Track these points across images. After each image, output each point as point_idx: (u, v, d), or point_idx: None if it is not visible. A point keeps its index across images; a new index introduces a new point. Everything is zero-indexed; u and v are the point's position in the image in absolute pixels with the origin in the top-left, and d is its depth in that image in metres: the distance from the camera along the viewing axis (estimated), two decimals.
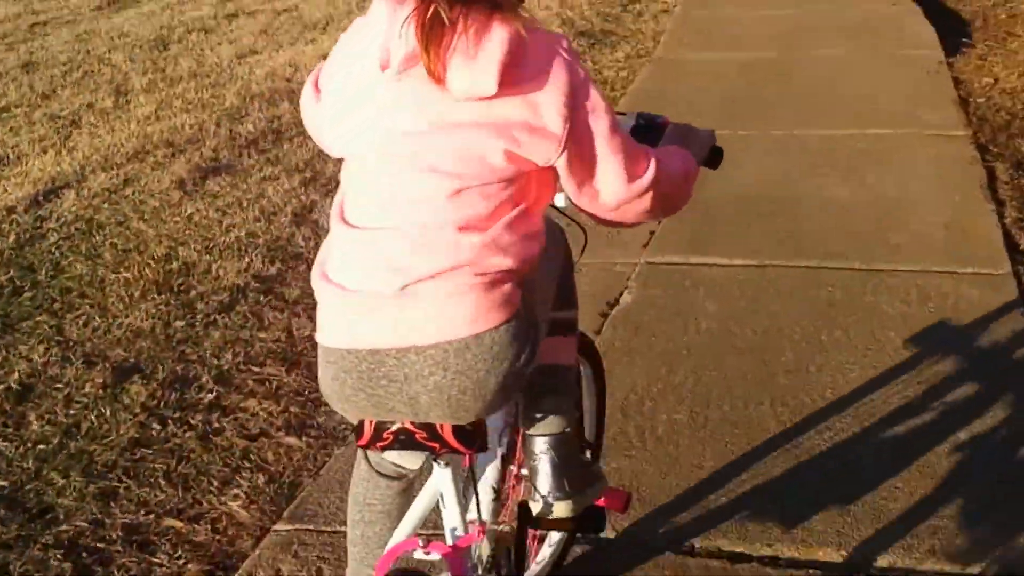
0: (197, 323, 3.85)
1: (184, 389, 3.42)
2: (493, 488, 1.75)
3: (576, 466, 1.78)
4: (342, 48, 1.55)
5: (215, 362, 3.57)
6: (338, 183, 1.60)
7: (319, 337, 1.50)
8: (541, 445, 1.74)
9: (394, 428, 1.49)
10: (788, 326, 3.47)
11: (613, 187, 1.50)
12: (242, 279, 4.15)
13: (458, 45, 1.36)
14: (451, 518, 1.60)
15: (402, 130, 1.43)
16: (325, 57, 1.66)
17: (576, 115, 1.43)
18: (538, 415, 1.74)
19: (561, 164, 1.47)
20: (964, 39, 7.24)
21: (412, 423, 1.48)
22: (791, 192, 4.64)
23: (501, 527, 1.76)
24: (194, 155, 5.59)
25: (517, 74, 1.38)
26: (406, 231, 1.42)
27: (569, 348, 1.81)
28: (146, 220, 4.79)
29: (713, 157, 1.85)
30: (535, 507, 1.76)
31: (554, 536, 2.19)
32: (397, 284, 1.41)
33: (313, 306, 1.65)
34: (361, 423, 1.52)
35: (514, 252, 1.44)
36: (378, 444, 1.51)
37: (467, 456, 1.57)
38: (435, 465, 1.59)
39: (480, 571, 1.68)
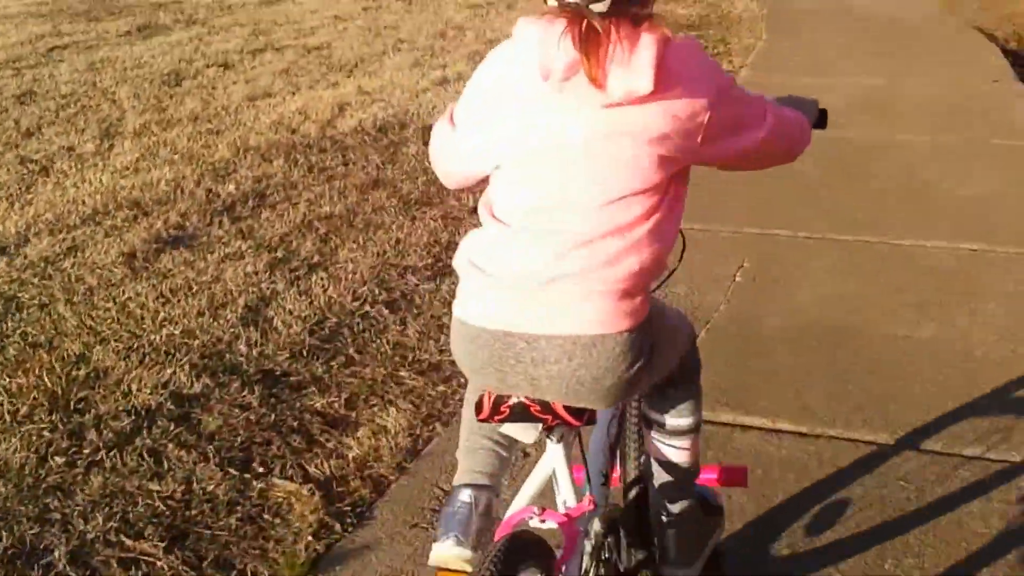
0: (79, 462, 3.00)
1: (26, 569, 2.58)
2: (602, 473, 1.90)
3: (696, 537, 1.96)
4: (483, 78, 1.66)
5: (80, 526, 2.72)
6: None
7: (458, 312, 1.65)
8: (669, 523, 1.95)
9: (511, 402, 1.64)
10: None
11: (745, 141, 1.64)
12: (155, 398, 3.31)
13: (614, 53, 1.48)
14: (564, 490, 1.74)
15: (564, 136, 1.54)
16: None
17: (719, 102, 1.56)
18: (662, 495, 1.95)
19: (705, 146, 1.58)
20: None
21: (528, 397, 1.63)
22: (858, 322, 3.67)
23: (611, 507, 1.91)
24: (158, 220, 4.81)
25: (666, 75, 1.50)
26: (557, 233, 1.55)
27: (690, 450, 1.94)
28: (73, 304, 4.00)
29: (821, 118, 2.00)
30: (664, 571, 1.96)
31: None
32: (542, 279, 1.55)
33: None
34: (481, 399, 1.67)
35: (653, 258, 1.58)
36: (496, 418, 1.67)
37: (577, 431, 1.75)
38: (548, 441, 1.73)
39: (590, 543, 1.76)
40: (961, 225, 4.55)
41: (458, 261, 1.67)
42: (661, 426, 1.90)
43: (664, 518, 1.94)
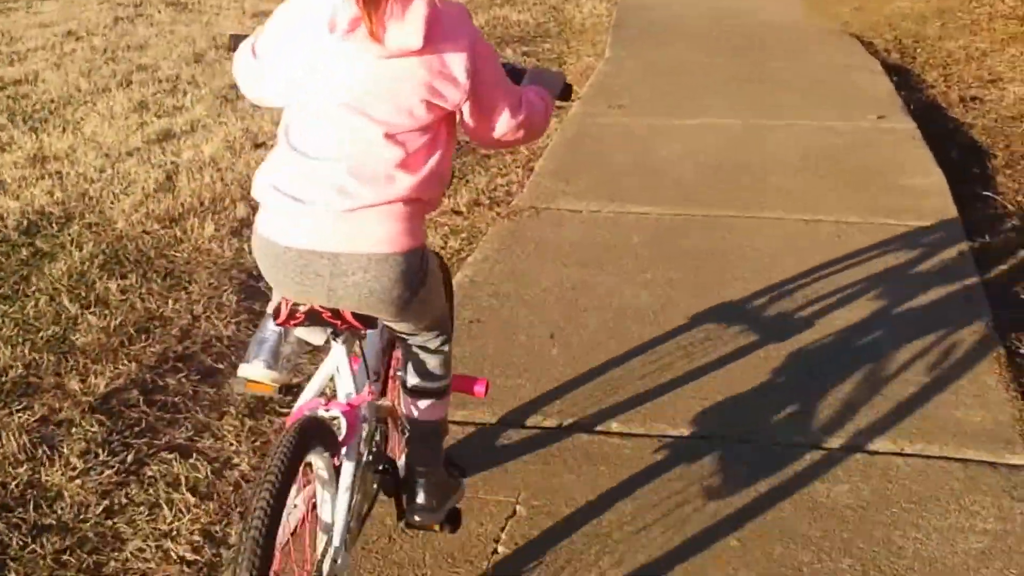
0: None
1: None
2: (375, 372, 2.17)
3: (443, 486, 2.22)
4: (280, 20, 1.87)
5: None
6: None
7: (262, 231, 1.85)
8: (419, 473, 2.19)
9: (305, 308, 1.88)
10: None
11: (503, 122, 1.94)
12: None
13: (391, 12, 1.71)
14: (345, 384, 1.99)
15: (345, 80, 1.78)
16: None
17: (477, 68, 1.82)
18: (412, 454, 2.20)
19: (466, 107, 1.87)
20: (987, 191, 4.64)
21: (321, 306, 1.87)
22: None
23: (384, 402, 2.22)
24: None
25: (434, 33, 1.74)
26: (348, 161, 1.79)
27: (438, 409, 2.18)
28: None
29: (566, 93, 2.20)
30: (410, 517, 2.19)
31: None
32: (343, 206, 1.78)
33: None
34: (279, 305, 1.91)
35: (432, 190, 1.87)
36: (291, 321, 1.90)
37: (359, 334, 2.03)
38: (333, 343, 1.97)
39: (368, 430, 2.06)
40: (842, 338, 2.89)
41: (259, 186, 1.86)
42: (415, 389, 2.14)
43: (415, 468, 2.17)
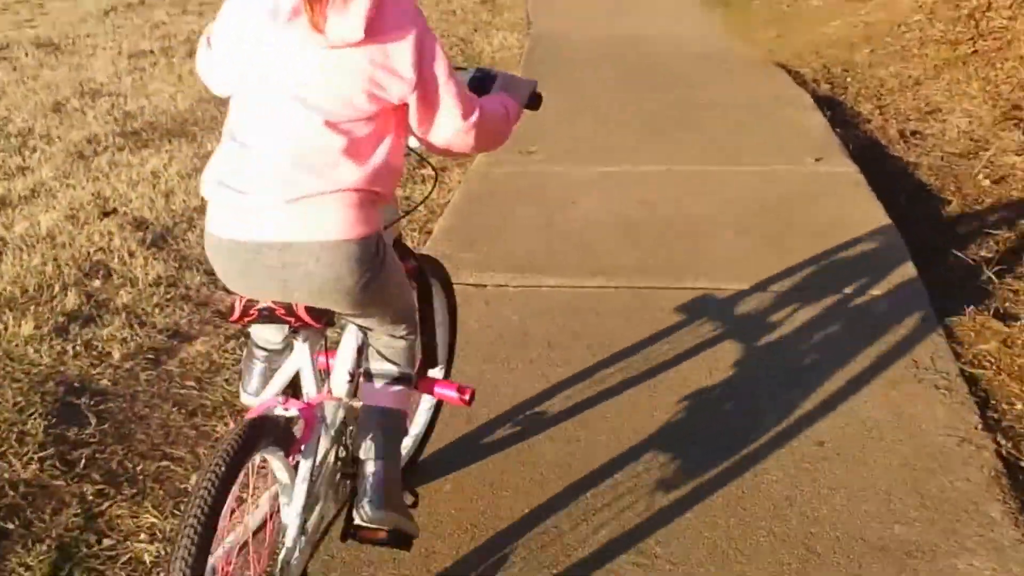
0: None
1: None
2: (347, 372, 2.08)
3: (396, 492, 2.03)
4: (230, 7, 1.83)
5: None
6: None
7: (211, 228, 1.81)
8: (370, 467, 1.99)
9: (259, 306, 1.83)
10: None
11: (448, 124, 1.85)
12: None
13: (334, 2, 1.67)
14: (307, 383, 1.93)
15: (286, 69, 1.74)
16: None
17: (423, 62, 1.77)
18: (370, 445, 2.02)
19: (412, 102, 1.81)
20: (955, 250, 4.08)
21: (274, 302, 1.83)
22: None
23: (354, 402, 2.10)
24: None
25: (378, 26, 1.70)
26: (291, 150, 1.74)
27: (401, 397, 2.08)
28: None
29: (533, 101, 2.15)
30: (355, 514, 1.97)
31: (416, 427, 2.57)
32: (288, 195, 1.73)
33: None
34: (232, 303, 1.86)
35: (381, 180, 1.79)
36: (245, 319, 1.86)
37: (323, 334, 1.98)
38: (295, 341, 1.93)
39: (329, 431, 1.98)
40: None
41: (207, 183, 1.81)
42: (376, 374, 2.06)
43: (369, 458, 2.00)
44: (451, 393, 2.28)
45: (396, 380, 2.05)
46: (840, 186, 4.62)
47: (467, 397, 2.28)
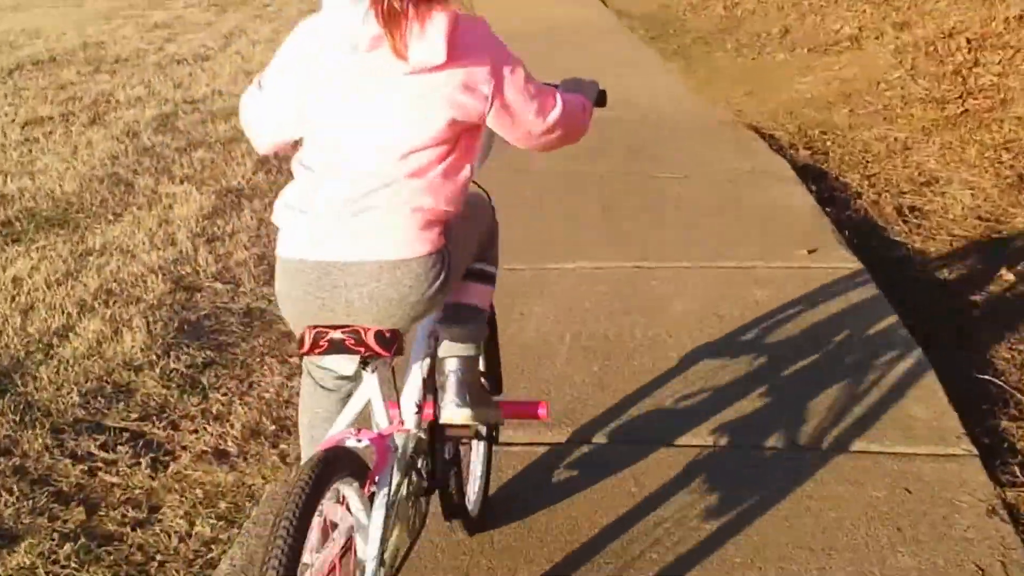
0: None
1: None
2: (415, 403, 2.04)
3: (477, 388, 2.17)
4: (292, 49, 1.87)
5: None
6: None
7: (280, 250, 1.84)
8: (451, 365, 2.11)
9: (328, 337, 1.79)
10: None
11: (535, 124, 1.89)
12: None
13: (412, 28, 1.70)
14: (378, 414, 1.91)
15: (366, 98, 1.77)
16: None
17: (500, 77, 1.80)
18: (451, 342, 2.11)
19: (491, 116, 1.84)
20: (988, 375, 3.31)
21: (342, 331, 1.79)
22: None
23: (423, 433, 2.08)
24: None
25: (457, 47, 1.73)
26: (360, 175, 1.77)
27: (484, 294, 2.17)
28: None
29: (601, 98, 2.20)
30: (442, 413, 2.09)
31: (478, 452, 2.54)
32: (353, 216, 1.76)
33: None
34: (302, 335, 1.81)
35: (444, 198, 1.80)
36: (315, 350, 1.81)
37: (390, 360, 1.90)
38: (364, 373, 1.89)
39: (401, 462, 1.92)
40: None
41: (276, 211, 1.86)
42: (473, 274, 2.14)
43: (450, 365, 2.12)
44: (528, 410, 2.36)
45: (481, 277, 2.14)
46: (844, 289, 3.84)
47: (544, 411, 2.36)
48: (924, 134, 6.09)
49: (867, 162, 5.79)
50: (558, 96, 1.92)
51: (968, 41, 7.12)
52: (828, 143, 6.22)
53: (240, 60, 9.28)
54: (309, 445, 2.04)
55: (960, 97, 6.43)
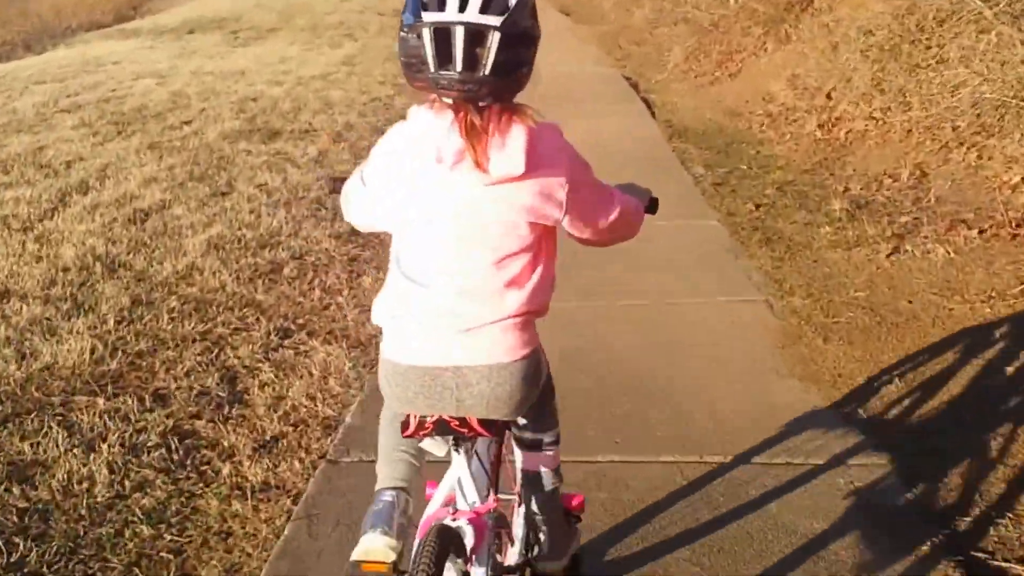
0: None
1: None
2: (486, 488, 2.12)
3: (563, 532, 2.41)
4: (385, 151, 1.94)
5: None
6: None
7: (388, 355, 1.94)
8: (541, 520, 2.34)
9: (433, 419, 1.93)
10: None
11: (599, 223, 2.00)
12: None
13: (492, 141, 1.79)
14: (469, 492, 2.02)
15: (454, 208, 1.85)
16: None
17: (575, 184, 1.89)
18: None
19: (566, 219, 1.93)
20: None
21: (448, 415, 1.93)
22: None
23: (499, 509, 2.17)
24: None
25: (535, 157, 1.81)
26: (461, 286, 1.87)
27: (556, 456, 2.30)
28: None
29: (652, 205, 2.27)
30: (538, 565, 2.36)
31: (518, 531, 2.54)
32: (461, 326, 1.87)
33: None
34: (407, 419, 1.96)
35: (539, 301, 1.93)
36: (420, 433, 1.96)
37: (489, 439, 2.11)
38: (455, 454, 2.02)
39: (494, 535, 2.05)
40: None
41: (379, 316, 1.97)
42: (531, 443, 2.25)
43: (539, 520, 2.31)
44: (569, 502, 2.47)
45: (548, 444, 2.25)
46: None
47: (580, 502, 2.49)
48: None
49: None
50: (616, 198, 2.03)
51: None
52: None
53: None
54: (387, 466, 2.19)
55: None
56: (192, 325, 4.28)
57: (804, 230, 5.61)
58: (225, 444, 3.31)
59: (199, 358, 3.98)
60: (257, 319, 4.37)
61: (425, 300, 1.87)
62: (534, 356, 1.93)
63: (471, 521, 1.92)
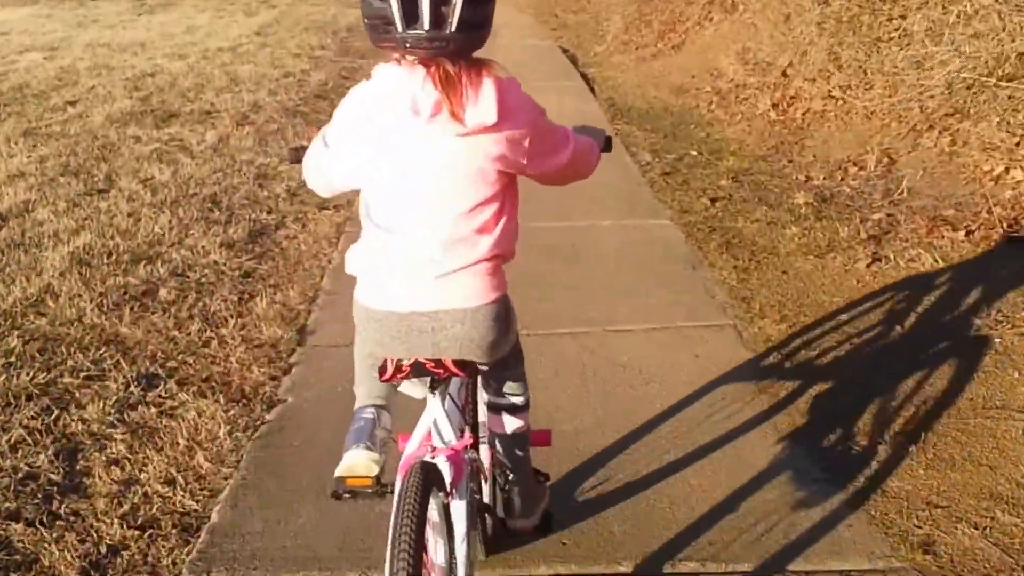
0: None
1: None
2: (460, 428, 2.18)
3: (533, 492, 2.47)
4: (350, 111, 1.96)
5: None
6: None
7: (366, 302, 1.98)
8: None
9: (410, 362, 2.00)
10: None
11: (553, 162, 2.04)
12: None
13: (466, 92, 1.84)
14: (446, 432, 2.07)
15: (429, 159, 1.89)
16: None
17: (535, 128, 1.96)
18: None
19: (529, 163, 1.98)
20: None
21: (424, 358, 1.99)
22: None
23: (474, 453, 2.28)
24: None
25: (504, 108, 1.87)
26: (437, 235, 1.91)
27: (526, 419, 2.35)
28: None
29: (607, 144, 2.40)
30: (509, 523, 2.46)
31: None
32: (436, 272, 1.92)
33: None
34: (384, 364, 2.01)
35: (505, 245, 1.99)
36: (398, 376, 2.01)
37: (464, 379, 2.24)
38: (429, 396, 2.09)
39: (471, 473, 2.14)
40: None
41: (354, 266, 2.02)
42: (504, 407, 2.30)
43: (509, 477, 2.37)
44: (543, 438, 2.54)
45: (519, 408, 2.30)
46: None
47: (548, 437, 2.56)
48: None
49: None
50: (571, 138, 2.09)
51: None
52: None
53: None
54: (364, 386, 2.26)
55: None
56: (31, 375, 3.43)
57: (768, 230, 4.93)
58: (45, 563, 2.49)
59: (32, 423, 3.14)
60: (116, 364, 3.51)
61: (404, 249, 1.93)
62: (504, 300, 2.02)
63: (449, 457, 1.99)
